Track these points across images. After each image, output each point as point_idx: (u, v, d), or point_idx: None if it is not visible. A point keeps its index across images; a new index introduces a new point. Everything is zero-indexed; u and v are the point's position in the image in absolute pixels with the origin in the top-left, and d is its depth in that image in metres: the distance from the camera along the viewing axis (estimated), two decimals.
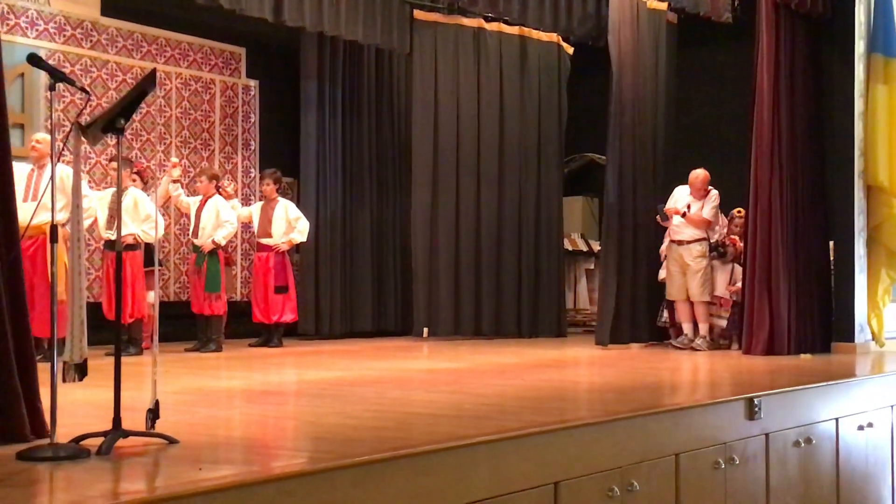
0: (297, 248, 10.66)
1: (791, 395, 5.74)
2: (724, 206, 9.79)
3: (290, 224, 9.93)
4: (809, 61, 9.20)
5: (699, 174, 9.59)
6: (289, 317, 9.92)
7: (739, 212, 9.55)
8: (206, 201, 9.35)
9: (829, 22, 9.22)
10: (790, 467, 5.61)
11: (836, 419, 6.10)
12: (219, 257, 9.23)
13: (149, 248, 8.68)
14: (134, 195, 8.57)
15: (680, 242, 9.53)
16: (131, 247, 8.45)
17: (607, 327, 9.63)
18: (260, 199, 10.32)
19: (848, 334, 8.98)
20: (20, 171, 7.98)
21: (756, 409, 5.28)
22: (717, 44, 11.47)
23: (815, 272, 9.04)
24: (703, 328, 9.49)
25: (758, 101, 8.88)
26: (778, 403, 5.53)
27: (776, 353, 8.51)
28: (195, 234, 9.31)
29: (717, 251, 9.57)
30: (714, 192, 9.58)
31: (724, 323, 9.49)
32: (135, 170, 8.89)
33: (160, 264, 10.16)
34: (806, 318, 8.87)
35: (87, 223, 8.14)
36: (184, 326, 9.36)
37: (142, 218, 8.56)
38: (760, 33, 8.89)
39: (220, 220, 9.22)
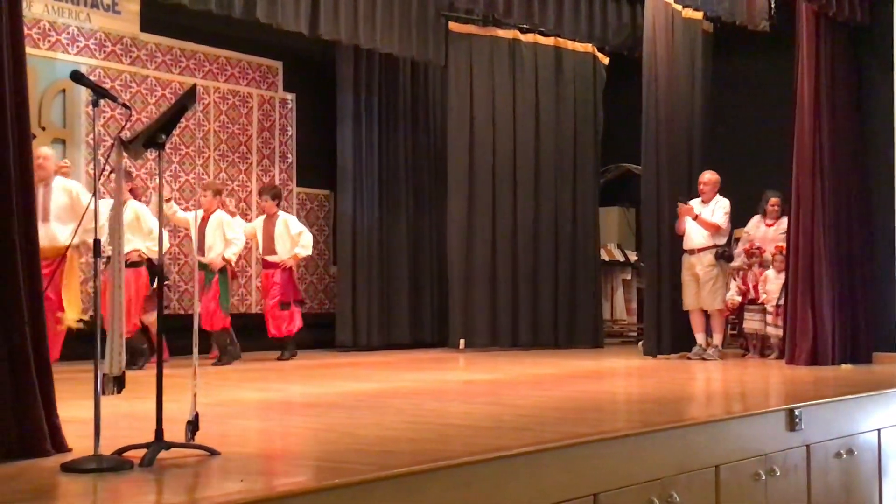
0: (334, 260, 10.63)
1: (832, 406, 5.68)
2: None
3: (293, 239, 9.68)
4: (850, 70, 9.10)
5: (711, 176, 9.53)
6: (296, 325, 9.66)
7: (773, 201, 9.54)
8: (208, 217, 9.00)
9: (869, 30, 9.14)
10: (831, 479, 5.56)
11: (878, 430, 6.04)
12: (228, 273, 9.09)
13: (152, 264, 8.39)
14: (135, 209, 8.17)
15: (692, 252, 9.45)
16: (135, 264, 8.10)
17: (653, 338, 9.64)
18: (259, 215, 10.20)
19: (889, 344, 8.88)
20: None
21: (797, 420, 5.24)
22: (753, 52, 11.38)
23: (858, 281, 8.94)
24: (717, 338, 9.42)
25: (798, 110, 8.79)
26: (819, 414, 5.48)
27: (820, 364, 8.42)
28: (200, 251, 8.82)
29: (724, 257, 9.50)
30: (724, 200, 9.48)
31: (781, 332, 9.22)
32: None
33: (166, 278, 9.95)
34: (849, 327, 8.77)
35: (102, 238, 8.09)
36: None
37: (145, 233, 8.25)
38: (800, 42, 8.81)
39: (228, 237, 8.95)
